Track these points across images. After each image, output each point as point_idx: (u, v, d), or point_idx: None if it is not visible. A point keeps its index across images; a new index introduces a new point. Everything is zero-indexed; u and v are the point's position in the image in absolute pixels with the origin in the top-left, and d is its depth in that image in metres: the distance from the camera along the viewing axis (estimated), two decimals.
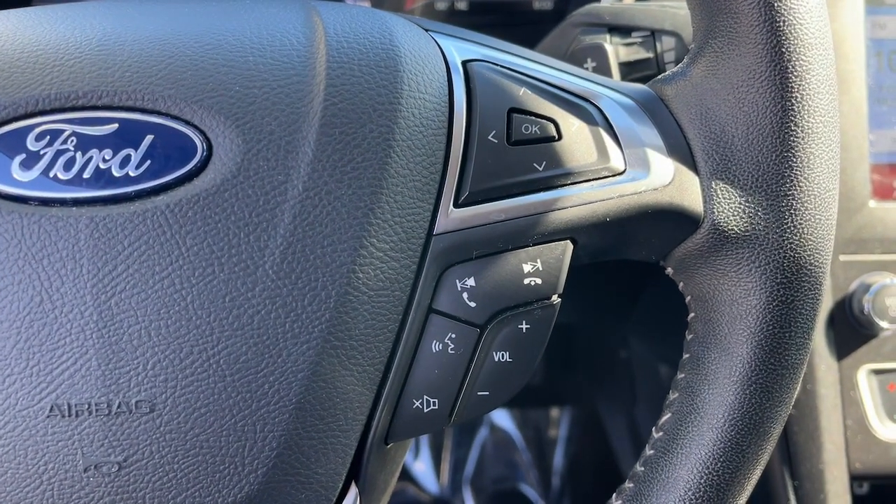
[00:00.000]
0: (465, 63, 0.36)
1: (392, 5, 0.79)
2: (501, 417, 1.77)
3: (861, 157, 0.66)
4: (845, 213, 0.66)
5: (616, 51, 0.47)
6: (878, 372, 0.67)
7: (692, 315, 0.39)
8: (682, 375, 0.39)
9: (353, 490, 0.37)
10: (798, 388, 0.38)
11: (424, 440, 1.79)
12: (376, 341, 0.35)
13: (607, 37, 0.48)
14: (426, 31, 0.38)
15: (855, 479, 0.68)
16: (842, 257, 0.66)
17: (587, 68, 0.47)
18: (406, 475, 1.74)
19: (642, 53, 0.47)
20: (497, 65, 0.37)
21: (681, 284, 0.39)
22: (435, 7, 0.79)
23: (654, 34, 0.48)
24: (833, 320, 0.66)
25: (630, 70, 0.47)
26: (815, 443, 0.67)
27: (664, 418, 0.39)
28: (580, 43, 0.47)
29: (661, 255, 0.38)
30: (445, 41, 0.37)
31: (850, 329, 0.66)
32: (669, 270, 0.39)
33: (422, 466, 1.73)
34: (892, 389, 0.67)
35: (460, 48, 0.37)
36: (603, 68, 0.47)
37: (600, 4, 0.50)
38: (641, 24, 0.48)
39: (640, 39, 0.48)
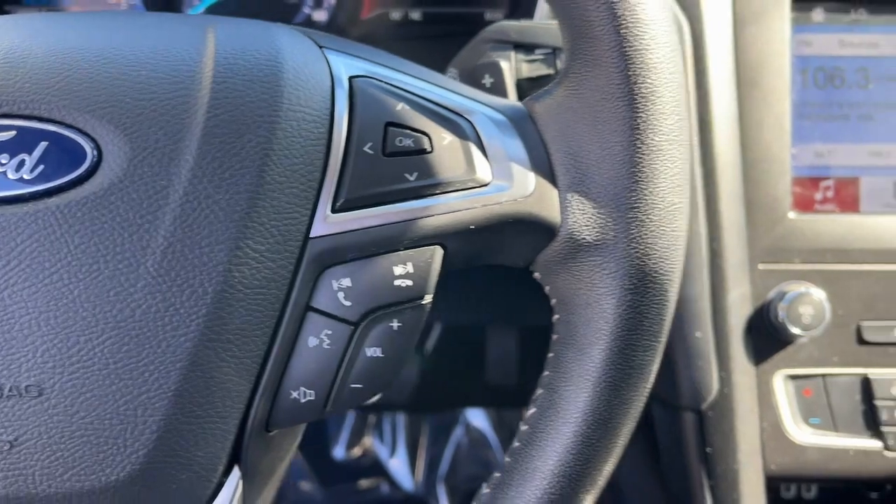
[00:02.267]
0: (351, 78, 0.39)
1: (348, 15, 0.82)
2: (476, 417, 1.80)
3: (783, 171, 0.69)
4: (766, 223, 0.69)
5: (519, 67, 0.50)
6: (793, 377, 0.70)
7: (556, 317, 0.41)
8: (546, 373, 0.41)
9: (236, 473, 0.40)
10: (648, 388, 0.40)
11: (401, 438, 1.81)
12: (253, 335, 0.37)
13: (512, 54, 0.50)
14: (321, 47, 0.41)
15: (770, 479, 0.70)
16: (761, 266, 0.69)
17: (485, 84, 0.50)
18: (381, 472, 1.77)
19: (543, 70, 0.50)
20: (380, 81, 0.39)
21: (546, 288, 0.42)
22: (389, 17, 0.83)
23: (555, 51, 0.51)
24: (751, 327, 0.69)
25: (533, 85, 0.50)
26: (731, 444, 0.69)
27: (529, 412, 0.42)
28: (481, 59, 0.50)
29: (527, 262, 0.41)
30: (335, 57, 0.40)
31: (768, 336, 0.68)
32: (537, 275, 0.42)
33: (397, 464, 1.76)
34: (807, 394, 0.70)
35: (348, 64, 0.40)
36: (499, 84, 0.49)
37: (508, 22, 0.53)
38: (544, 42, 0.51)
39: (542, 56, 0.50)
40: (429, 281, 0.39)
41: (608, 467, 0.40)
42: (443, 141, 0.38)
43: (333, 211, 0.38)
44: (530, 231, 0.39)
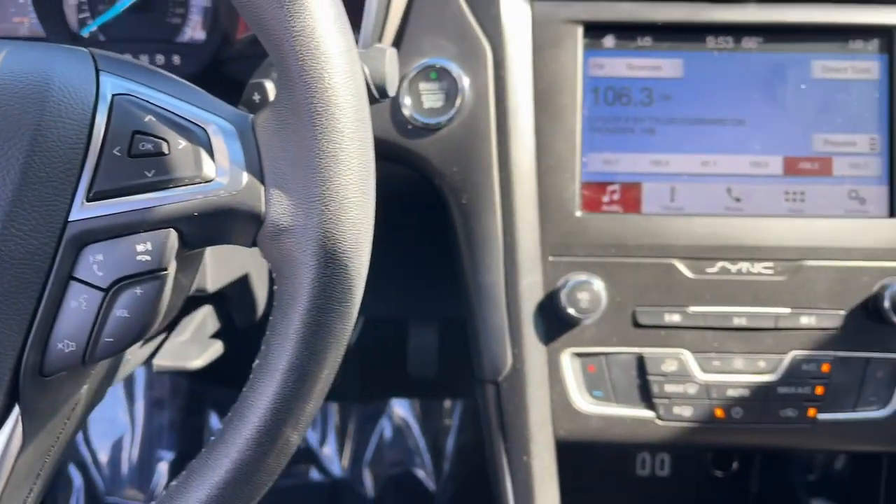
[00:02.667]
0: (114, 96, 0.50)
1: (223, 36, 0.92)
2: (400, 407, 1.90)
3: (572, 176, 0.80)
4: (556, 222, 0.80)
5: None
6: (579, 355, 0.80)
7: (275, 287, 0.52)
8: (266, 335, 0.52)
9: (16, 409, 0.50)
10: (342, 346, 0.51)
11: (331, 427, 1.92)
12: (21, 298, 0.48)
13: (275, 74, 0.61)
14: (99, 70, 0.51)
15: (559, 444, 0.81)
16: (551, 258, 0.79)
17: (255, 100, 0.61)
18: (312, 458, 1.88)
19: None
20: (137, 97, 0.50)
21: (269, 265, 0.52)
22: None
23: None
24: (542, 311, 0.79)
25: None
26: (523, 413, 0.80)
27: (254, 365, 0.52)
28: (253, 79, 0.61)
29: (249, 243, 0.52)
30: (106, 78, 0.51)
31: (557, 319, 0.79)
32: (261, 253, 0.52)
33: (327, 451, 1.86)
34: (591, 370, 0.80)
35: (115, 84, 0.51)
36: (264, 100, 0.60)
37: None
38: None
39: None
40: (165, 256, 0.50)
41: (309, 408, 0.51)
42: (179, 145, 0.49)
43: (88, 200, 0.49)
44: (242, 218, 0.50)
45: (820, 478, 1.11)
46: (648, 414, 0.80)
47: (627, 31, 0.81)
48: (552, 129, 0.79)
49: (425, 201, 0.84)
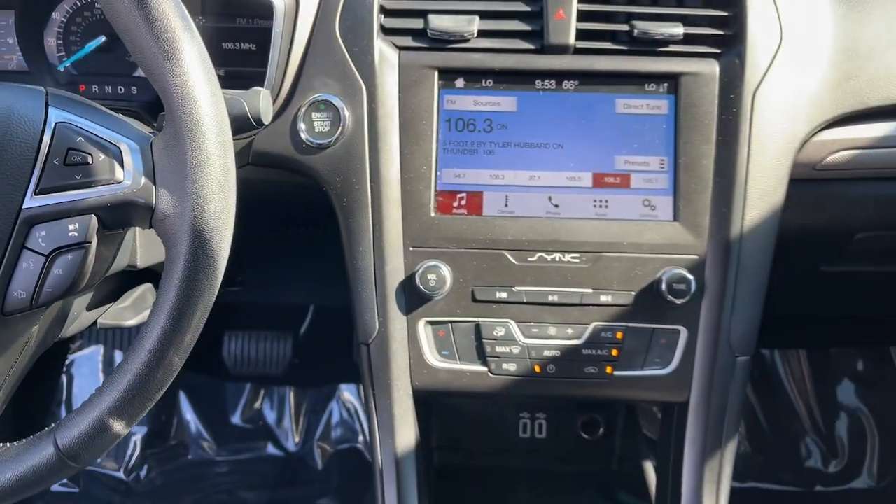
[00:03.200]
0: (56, 123, 0.74)
1: None
2: (349, 391, 2.13)
3: (428, 186, 1.03)
4: (416, 221, 1.03)
5: None
6: (432, 323, 1.04)
7: (165, 259, 0.76)
8: (158, 288, 0.76)
9: None
10: (211, 298, 0.74)
11: (286, 408, 2.14)
12: None
13: None
14: (49, 105, 0.75)
15: (415, 392, 1.04)
16: (411, 248, 1.03)
17: (161, 125, 0.85)
18: (269, 435, 2.11)
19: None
20: (73, 124, 0.74)
21: (164, 242, 0.76)
22: None
23: None
24: (404, 289, 1.03)
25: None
26: (387, 368, 1.03)
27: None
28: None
29: (148, 225, 0.76)
30: (52, 110, 0.74)
31: (414, 295, 1.02)
32: (156, 232, 0.76)
33: (283, 429, 2.09)
34: (440, 335, 1.04)
35: (58, 115, 0.74)
36: (159, 126, 0.85)
37: None
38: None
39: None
40: (88, 233, 0.73)
41: (187, 338, 0.73)
42: (99, 158, 0.73)
43: (36, 194, 0.72)
44: (141, 208, 0.74)
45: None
46: (483, 369, 1.03)
47: (474, 75, 1.05)
48: (414, 149, 1.03)
49: None
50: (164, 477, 1.95)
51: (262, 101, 0.87)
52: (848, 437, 1.93)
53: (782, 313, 1.60)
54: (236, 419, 2.07)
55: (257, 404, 2.04)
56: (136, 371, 0.73)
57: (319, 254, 1.33)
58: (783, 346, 1.91)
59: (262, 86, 1.01)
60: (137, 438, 1.99)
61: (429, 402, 1.11)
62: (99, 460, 1.95)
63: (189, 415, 1.99)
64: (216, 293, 0.75)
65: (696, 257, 1.02)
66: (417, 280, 1.01)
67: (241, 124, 0.90)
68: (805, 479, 1.90)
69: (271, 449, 2.03)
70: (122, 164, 0.74)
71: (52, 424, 0.74)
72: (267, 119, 0.89)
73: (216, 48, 1.15)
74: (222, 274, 0.75)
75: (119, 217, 0.75)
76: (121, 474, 1.94)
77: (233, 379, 2.03)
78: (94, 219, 0.74)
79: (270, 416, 2.05)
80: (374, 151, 1.02)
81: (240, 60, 1.13)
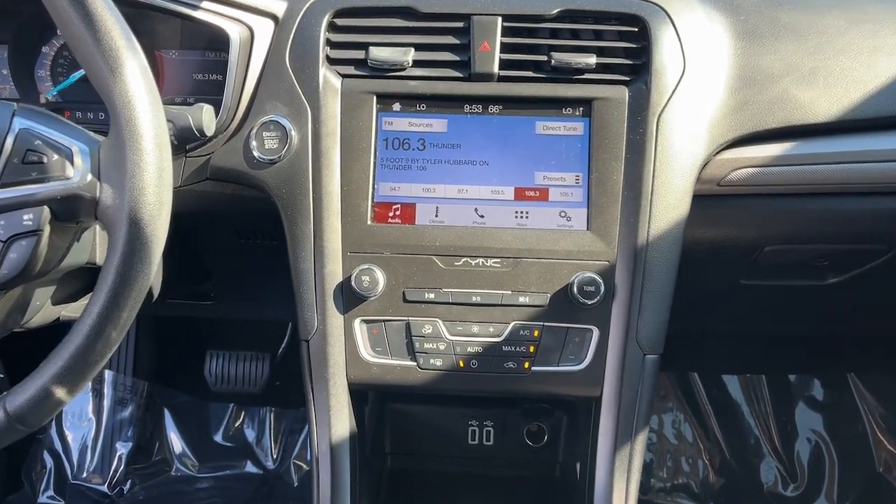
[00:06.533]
0: (19, 129, 0.87)
1: None
2: None
3: (366, 198, 1.14)
4: (354, 229, 1.14)
5: None
6: (367, 321, 1.14)
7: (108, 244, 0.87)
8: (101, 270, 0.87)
9: None
10: (146, 281, 0.85)
11: (266, 428, 2.22)
12: None
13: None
14: (14, 114, 0.88)
15: (350, 385, 1.14)
16: (349, 253, 1.14)
17: None
18: (249, 453, 2.18)
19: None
20: (33, 130, 0.86)
21: (106, 231, 0.87)
22: None
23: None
24: (342, 290, 1.13)
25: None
26: (325, 363, 1.13)
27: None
28: None
29: (94, 217, 0.87)
30: (17, 118, 0.87)
31: (352, 295, 1.13)
32: (99, 224, 0.88)
33: (262, 448, 2.17)
34: (374, 333, 1.14)
35: (21, 122, 0.87)
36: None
37: None
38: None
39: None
40: (41, 222, 0.85)
41: (124, 315, 0.84)
42: (53, 158, 0.85)
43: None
44: (87, 200, 0.85)
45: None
46: (412, 364, 1.13)
47: (409, 100, 1.17)
48: (353, 165, 1.15)
49: None
50: (147, 492, 2.03)
51: (204, 115, 0.99)
52: (807, 460, 1.98)
53: (726, 331, 1.69)
54: (218, 437, 2.15)
55: (238, 423, 2.12)
56: (77, 343, 0.83)
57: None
58: (740, 369, 1.98)
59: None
60: (122, 454, 2.08)
61: (365, 396, 1.21)
62: (84, 474, 2.03)
63: (173, 432, 2.08)
64: (151, 276, 0.86)
65: (606, 263, 1.12)
66: (353, 282, 1.12)
67: (187, 135, 1.03)
68: (764, 502, 1.95)
69: (250, 466, 2.11)
70: (72, 164, 0.86)
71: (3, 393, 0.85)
72: (209, 131, 1.01)
73: (187, 79, 1.29)
74: (157, 259, 0.86)
75: (68, 209, 0.87)
76: (105, 488, 2.03)
77: (215, 398, 2.12)
78: (46, 210, 0.86)
79: (250, 434, 2.14)
80: (317, 167, 1.14)
81: (208, 89, 1.27)
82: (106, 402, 2.12)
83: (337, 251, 1.14)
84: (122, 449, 2.13)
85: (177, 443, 2.13)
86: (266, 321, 1.92)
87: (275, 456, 2.15)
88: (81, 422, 2.10)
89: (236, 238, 1.34)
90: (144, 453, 2.11)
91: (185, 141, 1.02)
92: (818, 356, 2.03)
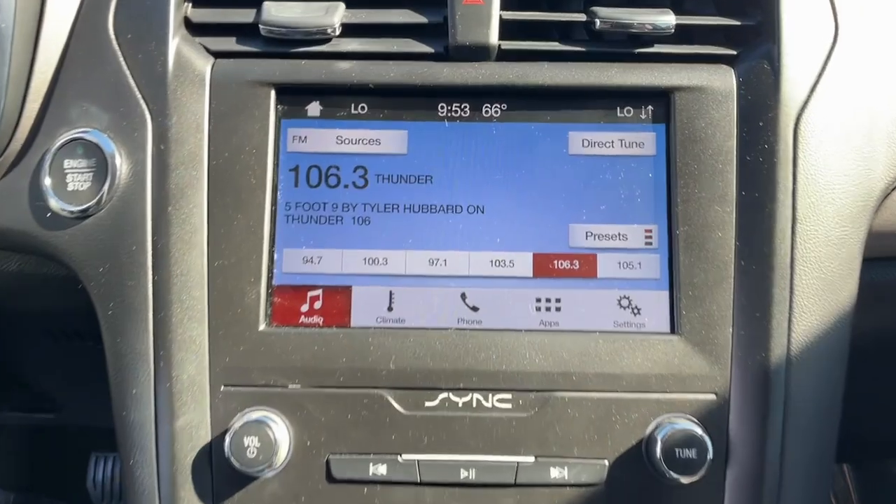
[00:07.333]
0: None
1: None
2: None
3: (257, 279, 0.61)
4: (232, 339, 0.60)
5: None
6: None
7: None
8: None
9: None
10: None
11: None
12: None
13: None
14: None
15: None
16: (223, 388, 0.60)
17: None
18: None
19: None
20: None
21: None
22: None
23: None
24: (210, 462, 0.59)
25: None
26: None
27: None
28: None
29: None
30: None
31: (230, 471, 0.58)
32: None
33: None
34: None
35: None
36: None
37: None
38: None
39: None
40: None
41: None
42: None
43: None
44: None
45: None
46: None
47: (337, 97, 0.64)
48: (232, 217, 0.61)
49: None
50: None
51: None
52: None
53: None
54: None
55: None
56: None
57: None
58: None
59: None
60: None
61: None
62: None
63: None
64: None
65: (711, 398, 0.59)
66: (230, 446, 0.57)
67: None
68: None
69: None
70: None
71: None
72: None
73: None
74: None
75: None
76: None
77: None
78: None
79: None
80: (163, 223, 0.61)
81: None
82: None
83: (199, 384, 0.60)
84: None
85: None
86: None
87: None
88: None
89: (49, 338, 0.79)
90: None
91: None
92: None
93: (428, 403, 0.59)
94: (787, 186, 0.61)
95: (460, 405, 0.59)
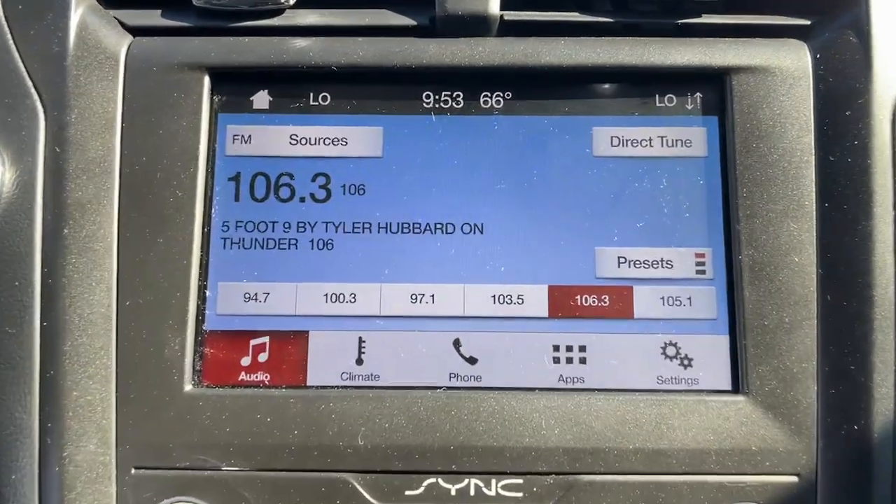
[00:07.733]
0: None
1: None
2: None
3: (181, 323, 0.46)
4: (147, 403, 0.45)
5: None
6: None
7: None
8: None
9: None
10: None
11: None
12: None
13: None
14: None
15: None
16: (133, 471, 0.45)
17: None
18: None
19: None
20: None
21: None
22: None
23: None
24: None
25: None
26: None
27: None
28: None
29: None
30: None
31: None
32: None
33: None
34: None
35: None
36: None
37: None
38: None
39: None
40: None
41: None
42: None
43: None
44: None
45: None
46: None
47: (291, 84, 0.49)
48: (150, 242, 0.46)
49: None
50: None
51: None
52: None
53: None
54: None
55: None
56: None
57: None
58: None
59: None
60: None
61: None
62: None
63: None
64: None
65: (792, 481, 0.44)
66: None
67: None
68: None
69: None
70: None
71: None
72: None
73: None
74: None
75: None
76: None
77: None
78: None
79: None
80: (58, 250, 0.46)
81: None
82: None
83: (103, 467, 0.44)
84: None
85: None
86: None
87: None
88: None
89: None
90: None
91: None
92: None
93: (409, 492, 0.44)
94: (886, 196, 0.46)
95: (453, 494, 0.44)
